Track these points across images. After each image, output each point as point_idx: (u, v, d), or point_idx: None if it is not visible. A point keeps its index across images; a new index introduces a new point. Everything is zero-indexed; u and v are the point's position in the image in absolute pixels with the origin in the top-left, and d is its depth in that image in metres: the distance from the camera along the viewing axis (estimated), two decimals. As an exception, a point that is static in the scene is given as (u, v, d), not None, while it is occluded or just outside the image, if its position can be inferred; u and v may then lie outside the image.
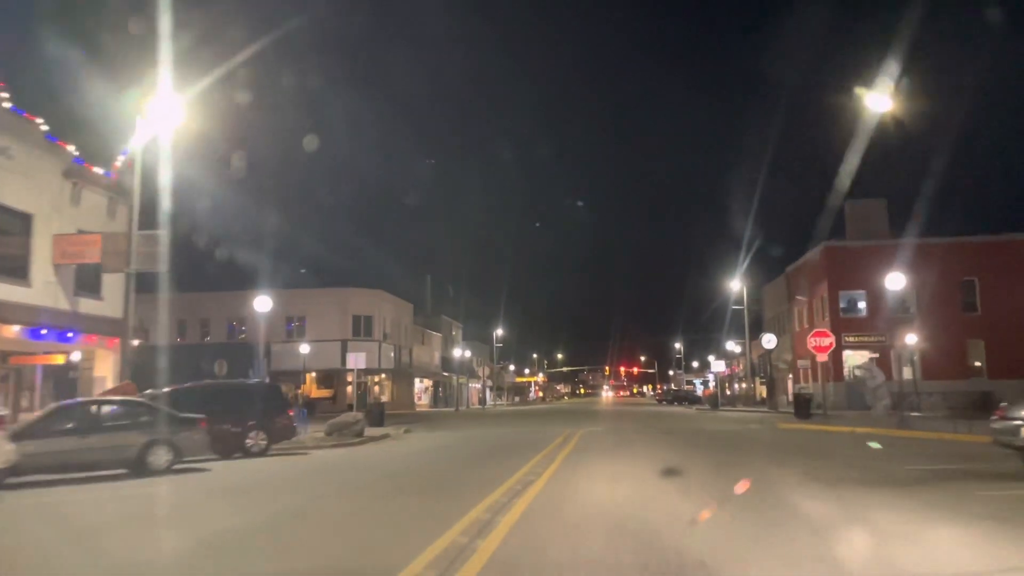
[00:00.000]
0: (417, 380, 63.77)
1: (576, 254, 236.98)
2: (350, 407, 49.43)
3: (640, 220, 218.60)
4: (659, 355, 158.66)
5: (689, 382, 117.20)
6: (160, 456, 12.99)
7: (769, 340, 43.26)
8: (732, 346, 56.52)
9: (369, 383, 52.26)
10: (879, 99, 17.29)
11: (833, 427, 22.22)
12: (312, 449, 18.94)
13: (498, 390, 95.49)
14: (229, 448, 16.27)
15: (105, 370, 22.84)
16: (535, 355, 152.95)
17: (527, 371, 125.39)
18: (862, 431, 20.69)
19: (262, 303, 21.21)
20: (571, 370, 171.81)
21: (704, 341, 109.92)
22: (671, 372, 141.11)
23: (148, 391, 16.98)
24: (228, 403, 16.64)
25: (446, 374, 68.72)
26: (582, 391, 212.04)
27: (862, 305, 47.76)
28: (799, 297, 50.96)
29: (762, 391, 68.10)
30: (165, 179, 18.32)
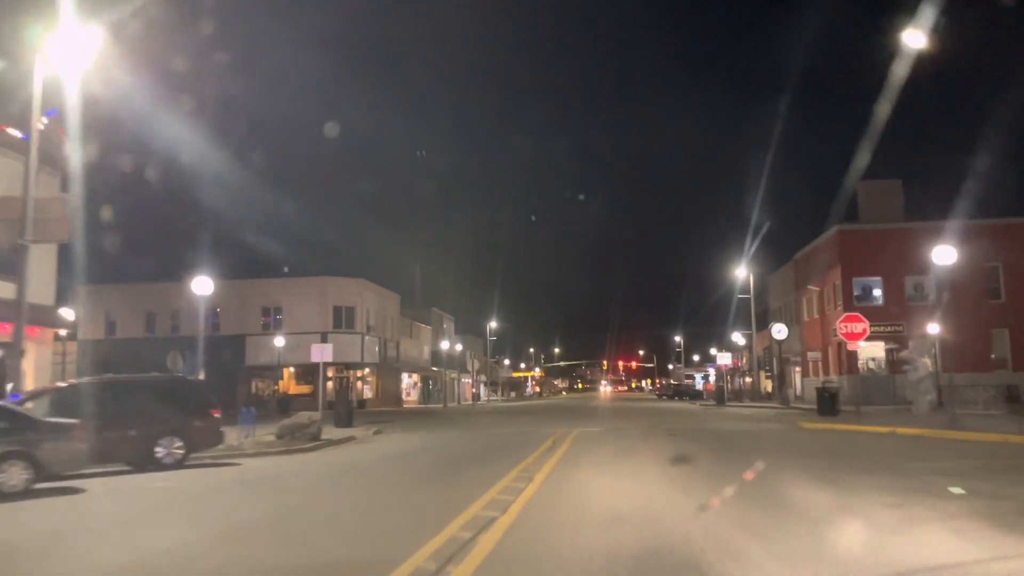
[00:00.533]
0: (405, 375, 60.61)
1: (574, 247, 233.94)
2: (329, 405, 46.31)
3: (641, 212, 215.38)
4: (658, 349, 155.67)
5: (689, 376, 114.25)
6: (12, 475, 9.81)
7: (779, 330, 40.16)
8: (737, 338, 53.30)
9: (352, 378, 49.08)
10: (910, 45, 14.49)
11: (868, 427, 19.04)
12: (251, 457, 15.75)
13: (492, 385, 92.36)
14: (134, 458, 13.08)
15: (28, 364, 19.64)
16: (532, 349, 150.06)
17: (523, 366, 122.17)
18: (906, 432, 17.56)
19: (201, 285, 17.93)
20: (569, 365, 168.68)
21: (705, 335, 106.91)
22: (670, 366, 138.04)
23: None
24: (134, 403, 13.40)
25: (436, 369, 65.56)
26: (580, 386, 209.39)
27: (877, 292, 44.66)
28: (810, 287, 47.76)
29: (767, 385, 65.11)
30: (74, 130, 15.26)
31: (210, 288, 18.04)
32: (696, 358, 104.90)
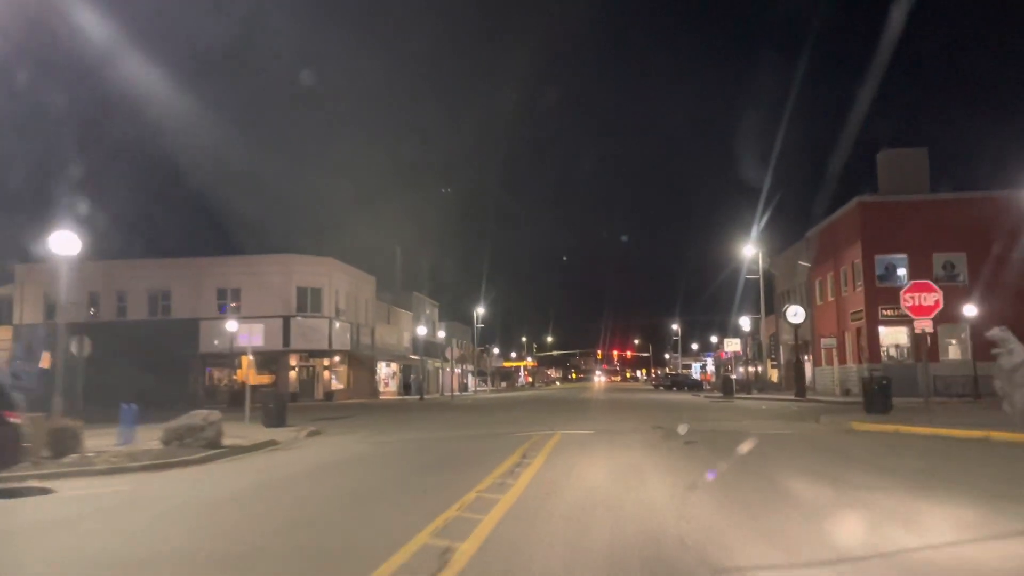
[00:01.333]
0: (382, 364, 55.94)
1: (568, 233, 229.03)
2: (292, 396, 41.58)
3: (639, 195, 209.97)
4: (654, 338, 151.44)
5: (686, 366, 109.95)
6: None
7: (795, 313, 35.58)
8: (744, 323, 48.74)
9: (318, 367, 44.39)
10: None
11: (947, 430, 14.34)
12: (95, 475, 11.07)
13: (481, 375, 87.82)
14: None
15: None
16: (524, 338, 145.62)
17: (513, 355, 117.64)
18: (1001, 437, 12.97)
19: (61, 242, 13.01)
20: (562, 354, 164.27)
21: (703, 323, 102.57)
22: (667, 355, 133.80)
23: None
24: None
25: (415, 357, 60.89)
26: (574, 376, 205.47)
27: (902, 272, 40.13)
28: (824, 270, 43.28)
29: (773, 374, 60.64)
30: None
31: (74, 247, 13.31)
32: (695, 347, 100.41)
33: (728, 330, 73.91)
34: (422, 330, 45.38)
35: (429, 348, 64.27)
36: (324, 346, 43.19)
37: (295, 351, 42.40)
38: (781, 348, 55.31)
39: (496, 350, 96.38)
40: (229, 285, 43.05)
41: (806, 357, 53.07)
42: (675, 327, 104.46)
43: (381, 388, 56.28)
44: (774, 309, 44.92)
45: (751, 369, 73.59)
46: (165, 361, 40.39)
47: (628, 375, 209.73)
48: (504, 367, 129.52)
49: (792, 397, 34.53)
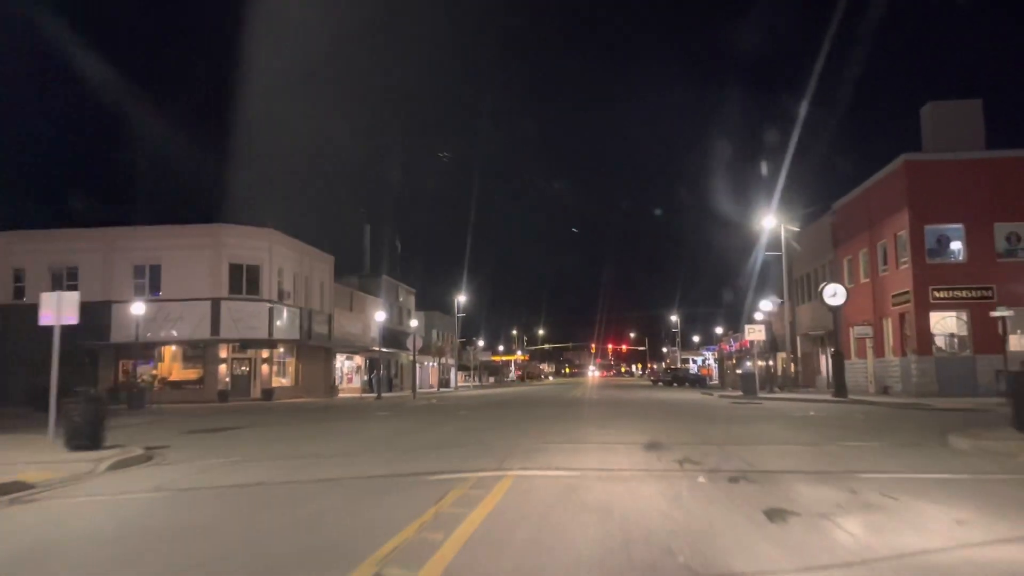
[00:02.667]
0: (342, 357, 48.81)
1: (560, 218, 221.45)
2: (222, 394, 34.52)
3: (635, 169, 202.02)
4: (651, 331, 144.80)
5: (684, 360, 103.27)
6: None
7: (834, 293, 28.63)
8: (766, 305, 41.77)
9: (255, 360, 37.25)
10: None
11: None
12: None
13: (464, 369, 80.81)
14: None
15: None
16: (514, 331, 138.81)
17: (501, 348, 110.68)
18: None
19: None
20: (555, 348, 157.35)
21: (704, 315, 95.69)
22: (664, 349, 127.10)
23: None
24: None
25: (385, 350, 53.79)
26: (567, 370, 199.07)
27: (957, 245, 33.24)
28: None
29: (789, 368, 53.78)
30: None
31: None
32: (696, 339, 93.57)
33: (738, 318, 67.16)
34: (380, 316, 38.26)
35: (402, 339, 57.19)
36: (263, 335, 36.08)
37: (226, 340, 35.32)
38: (798, 339, 48.29)
39: (481, 342, 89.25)
40: (147, 261, 35.85)
41: (830, 350, 46.18)
42: (674, 319, 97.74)
43: (342, 384, 49.20)
44: (790, 296, 37.86)
45: (761, 363, 66.81)
46: (72, 352, 33.30)
47: (623, 370, 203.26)
48: (493, 361, 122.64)
49: (831, 397, 27.64)
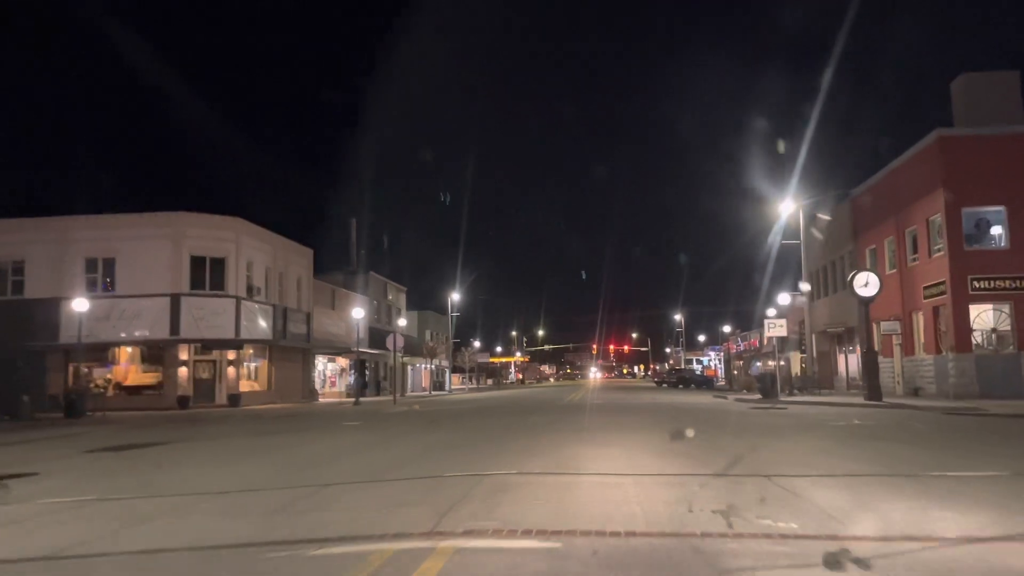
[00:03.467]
0: (322, 359, 45.41)
1: (562, 215, 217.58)
2: (182, 400, 31.15)
3: (637, 160, 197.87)
4: (653, 332, 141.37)
5: (688, 361, 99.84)
6: None
7: (866, 282, 25.17)
8: (783, 299, 38.35)
9: (221, 362, 33.84)
10: None
11: None
12: None
13: (458, 371, 77.38)
14: None
15: None
16: (514, 333, 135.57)
17: (499, 349, 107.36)
18: None
19: None
20: (555, 349, 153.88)
21: (709, 315, 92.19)
22: (668, 350, 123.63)
23: None
24: None
25: (372, 351, 50.38)
26: (568, 372, 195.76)
27: (998, 230, 29.92)
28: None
29: (808, 368, 50.34)
30: None
31: None
32: (702, 338, 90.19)
33: (746, 317, 63.80)
34: (359, 313, 34.80)
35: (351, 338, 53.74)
36: (228, 334, 32.68)
37: (187, 340, 31.93)
38: (813, 337, 44.81)
39: (477, 343, 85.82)
40: (101, 254, 32.45)
41: (849, 349, 42.81)
42: (678, 318, 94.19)
43: (324, 388, 45.82)
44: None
45: (772, 364, 63.39)
46: (16, 354, 29.95)
47: (625, 371, 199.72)
48: (491, 363, 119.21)
49: (863, 401, 24.22)
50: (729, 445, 11.13)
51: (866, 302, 25.58)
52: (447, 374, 73.52)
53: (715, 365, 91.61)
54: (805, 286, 33.00)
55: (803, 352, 46.83)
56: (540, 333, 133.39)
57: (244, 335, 33.33)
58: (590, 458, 9.72)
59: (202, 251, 32.62)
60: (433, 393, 58.98)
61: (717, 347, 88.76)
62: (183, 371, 31.94)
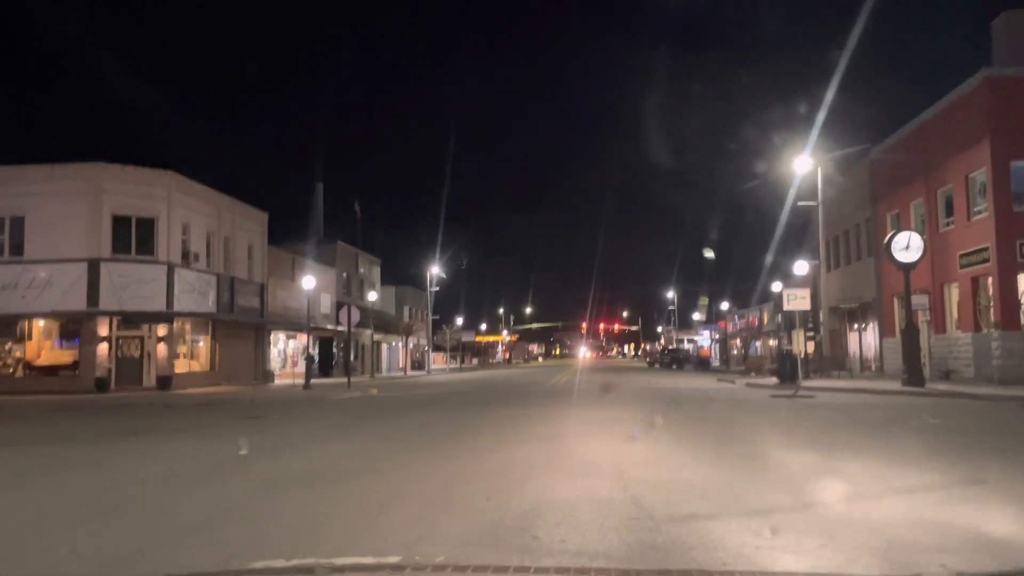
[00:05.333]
0: (281, 336, 40.96)
1: (549, 191, 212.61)
2: (100, 383, 26.69)
3: (630, 123, 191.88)
4: (644, 310, 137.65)
5: (681, 341, 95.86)
6: None
7: (907, 244, 20.83)
8: (800, 267, 34.02)
9: (150, 339, 29.32)
10: None
11: None
12: None
13: (440, 351, 73.12)
14: None
15: None
16: (501, 311, 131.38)
17: (484, 327, 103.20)
18: None
19: None
20: (543, 327, 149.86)
21: (705, 293, 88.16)
22: (659, 329, 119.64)
23: None
24: None
25: (340, 328, 46.01)
26: (557, 351, 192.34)
27: (1051, 188, 25.68)
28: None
29: (802, 346, 46.32)
30: None
31: None
32: (696, 316, 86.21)
33: (744, 295, 59.68)
34: (310, 283, 30.16)
35: (363, 316, 49.35)
36: (159, 306, 28.17)
37: (108, 313, 27.42)
38: (822, 314, 40.56)
39: (460, 321, 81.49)
40: (8, 212, 27.77)
41: (870, 325, 38.69)
42: (671, 295, 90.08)
43: (285, 368, 41.43)
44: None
45: (772, 343, 59.41)
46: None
47: (615, 351, 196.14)
48: (476, 342, 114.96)
49: (903, 387, 20.05)
50: (781, 465, 6.80)
51: (907, 268, 21.31)
52: (427, 353, 69.25)
53: (708, 345, 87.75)
54: (812, 262, 28.65)
55: (810, 330, 42.38)
56: (528, 311, 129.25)
57: (179, 307, 28.82)
58: (566, 480, 5.40)
59: (127, 209, 27.98)
60: (410, 374, 54.71)
61: (710, 326, 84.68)
62: (103, 348, 27.45)
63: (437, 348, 72.81)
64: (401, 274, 69.09)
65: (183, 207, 29.91)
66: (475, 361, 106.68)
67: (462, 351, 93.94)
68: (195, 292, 30.11)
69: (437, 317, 66.78)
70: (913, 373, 20.44)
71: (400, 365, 56.89)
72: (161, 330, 28.73)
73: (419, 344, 66.90)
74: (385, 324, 54.40)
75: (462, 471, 7.10)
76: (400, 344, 57.78)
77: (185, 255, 30.01)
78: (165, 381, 27.87)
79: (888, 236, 22.01)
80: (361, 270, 53.17)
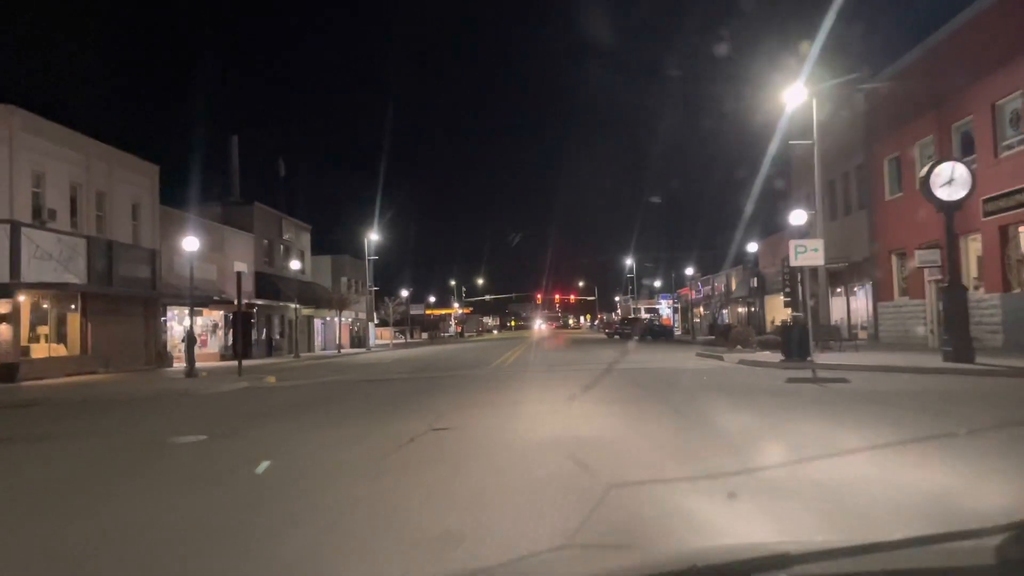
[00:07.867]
0: (174, 312, 34.80)
1: (501, 152, 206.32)
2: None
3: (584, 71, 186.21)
4: (601, 280, 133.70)
5: (638, 309, 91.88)
6: None
7: (950, 180, 16.04)
8: (798, 217, 29.20)
9: (-9, 318, 23.14)
10: None
11: None
12: None
13: (384, 325, 67.43)
14: None
15: None
16: (452, 282, 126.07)
17: (433, 300, 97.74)
18: None
19: None
20: (497, 299, 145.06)
21: (666, 260, 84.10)
22: (617, 298, 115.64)
23: None
24: None
25: (260, 301, 40.08)
26: (512, 323, 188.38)
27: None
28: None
29: (776, 314, 42.16)
30: None
31: None
32: (658, 283, 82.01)
33: (711, 260, 55.19)
34: (192, 243, 24.17)
35: (286, 288, 43.52)
36: (2, 277, 22.11)
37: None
38: (800, 276, 35.94)
39: (405, 292, 75.81)
40: None
41: (858, 289, 34.39)
42: (629, 262, 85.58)
43: (200, 347, 35.35)
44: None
45: (742, 310, 55.31)
46: None
47: (570, 322, 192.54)
48: (427, 315, 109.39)
49: (946, 362, 15.44)
50: None
51: (950, 208, 16.55)
52: (370, 329, 63.56)
53: (668, 314, 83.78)
54: (808, 212, 23.89)
55: (787, 295, 37.57)
56: (481, 282, 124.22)
57: (27, 278, 22.76)
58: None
59: (-51, 154, 21.72)
60: (348, 352, 49.09)
61: (668, 295, 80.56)
62: (-82, 331, 21.38)
63: (383, 323, 67.13)
64: (344, 245, 63.13)
65: (32, 151, 23.67)
66: (425, 336, 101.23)
67: (411, 325, 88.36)
68: (53, 259, 24.01)
69: (377, 288, 61.08)
70: (961, 346, 15.78)
71: (338, 342, 51.19)
72: (2, 306, 22.62)
73: (358, 319, 61.17)
74: (317, 298, 48.55)
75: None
76: (336, 319, 52.00)
77: (37, 212, 23.85)
78: (10, 369, 21.88)
79: (926, 168, 17.17)
80: (286, 236, 47.08)
